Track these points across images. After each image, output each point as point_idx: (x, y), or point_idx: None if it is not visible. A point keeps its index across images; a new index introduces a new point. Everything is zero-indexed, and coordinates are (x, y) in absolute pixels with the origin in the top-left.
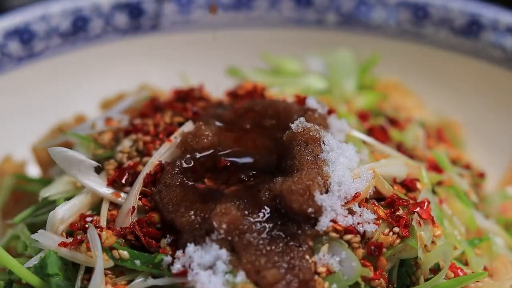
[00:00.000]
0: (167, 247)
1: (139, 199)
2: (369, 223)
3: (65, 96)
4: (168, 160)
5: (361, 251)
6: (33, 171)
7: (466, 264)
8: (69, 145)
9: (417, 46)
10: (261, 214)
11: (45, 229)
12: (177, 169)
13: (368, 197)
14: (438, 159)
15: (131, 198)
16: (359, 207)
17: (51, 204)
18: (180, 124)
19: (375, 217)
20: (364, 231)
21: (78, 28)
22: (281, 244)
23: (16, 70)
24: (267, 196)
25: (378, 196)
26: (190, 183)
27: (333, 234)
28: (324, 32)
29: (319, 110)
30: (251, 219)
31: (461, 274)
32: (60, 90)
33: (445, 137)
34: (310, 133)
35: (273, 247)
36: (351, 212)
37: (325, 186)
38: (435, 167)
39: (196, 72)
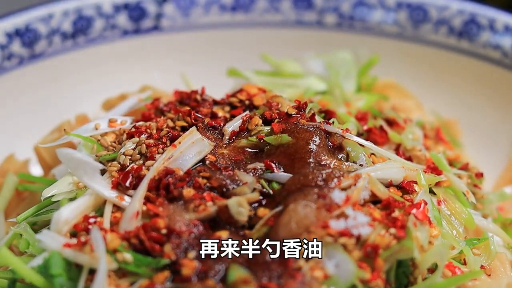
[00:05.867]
0: (171, 252)
1: (144, 203)
2: (363, 225)
3: (67, 96)
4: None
5: (357, 253)
6: (36, 170)
7: (464, 263)
8: (71, 146)
9: (415, 46)
10: None
11: (48, 229)
12: None
13: (364, 200)
14: (436, 160)
15: (135, 202)
16: (353, 210)
17: (54, 203)
18: (183, 129)
19: (370, 219)
20: (359, 233)
21: (80, 29)
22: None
23: (18, 70)
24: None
25: (374, 199)
26: None
27: (328, 238)
28: (323, 33)
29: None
30: None
31: (458, 273)
32: (62, 90)
33: (443, 138)
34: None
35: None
36: (343, 216)
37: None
38: (433, 168)
39: (196, 73)
